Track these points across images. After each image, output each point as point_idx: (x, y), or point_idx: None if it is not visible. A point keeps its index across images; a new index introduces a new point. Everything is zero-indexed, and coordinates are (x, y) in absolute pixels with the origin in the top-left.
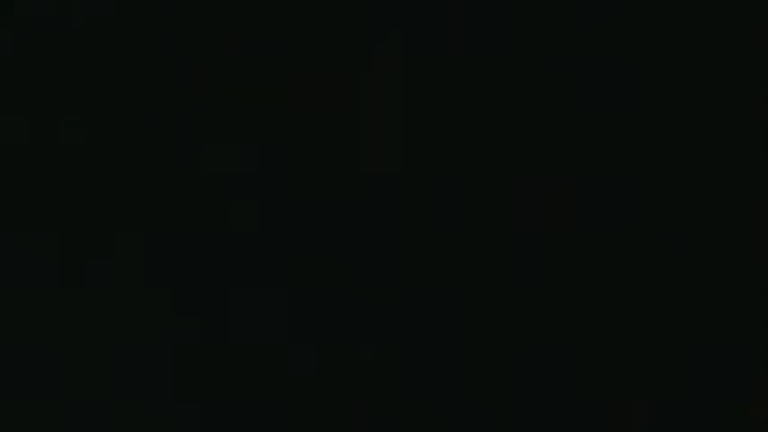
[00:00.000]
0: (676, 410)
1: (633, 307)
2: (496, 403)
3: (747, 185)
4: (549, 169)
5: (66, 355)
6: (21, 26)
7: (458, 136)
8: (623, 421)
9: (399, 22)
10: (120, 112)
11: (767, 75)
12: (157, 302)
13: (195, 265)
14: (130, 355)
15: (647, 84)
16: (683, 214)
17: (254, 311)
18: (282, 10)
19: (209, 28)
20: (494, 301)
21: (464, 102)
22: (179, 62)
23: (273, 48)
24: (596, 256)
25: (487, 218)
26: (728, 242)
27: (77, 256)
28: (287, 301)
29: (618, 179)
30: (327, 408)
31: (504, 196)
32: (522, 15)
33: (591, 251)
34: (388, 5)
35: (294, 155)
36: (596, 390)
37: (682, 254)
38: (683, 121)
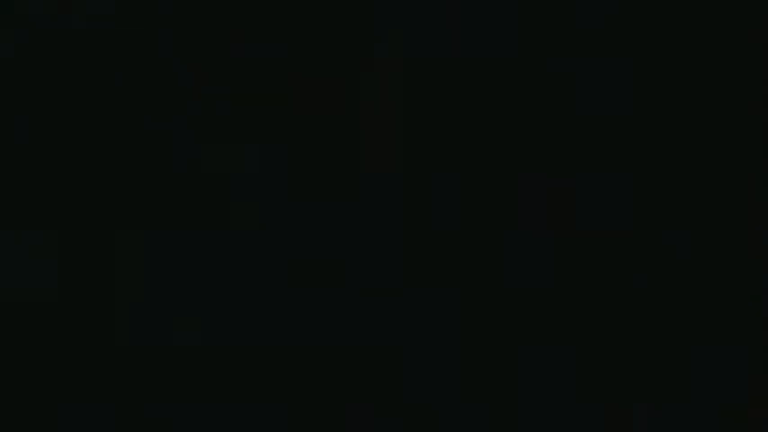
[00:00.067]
0: (676, 410)
1: (633, 307)
2: (496, 403)
3: (747, 185)
4: (549, 169)
5: (66, 355)
6: (21, 26)
7: (458, 136)
8: (623, 421)
9: (399, 22)
10: (120, 112)
11: (767, 75)
12: (157, 302)
13: (195, 265)
14: (130, 355)
15: (647, 84)
16: (683, 214)
17: (254, 311)
18: (282, 10)
19: (209, 28)
20: (494, 301)
21: (464, 102)
22: (179, 62)
23: (273, 48)
24: (596, 256)
25: (487, 218)
26: (728, 242)
27: (77, 256)
28: (287, 301)
29: (618, 179)
30: (327, 408)
31: (504, 196)
32: (522, 15)
33: (591, 251)
34: (388, 5)
35: (294, 155)
36: (596, 390)
37: (682, 254)
38: (683, 121)
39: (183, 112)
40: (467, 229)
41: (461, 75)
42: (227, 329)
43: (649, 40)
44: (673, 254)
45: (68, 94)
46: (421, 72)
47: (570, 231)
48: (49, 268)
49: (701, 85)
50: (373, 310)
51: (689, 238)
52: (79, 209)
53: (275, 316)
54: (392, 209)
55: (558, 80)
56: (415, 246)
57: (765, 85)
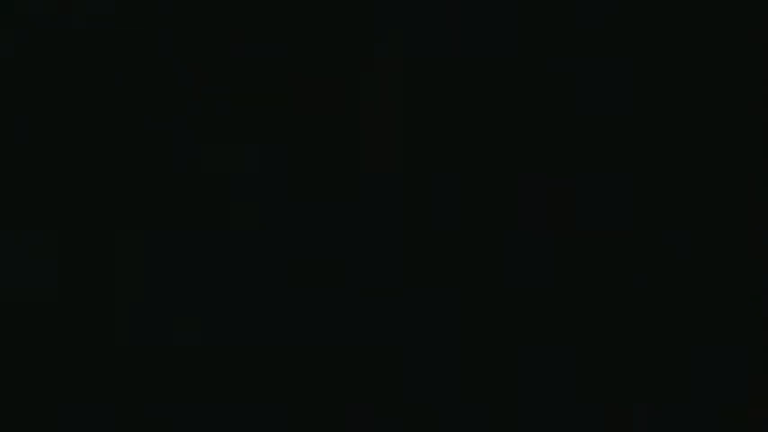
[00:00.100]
0: (676, 410)
1: (633, 307)
2: (496, 403)
3: (747, 185)
4: (549, 169)
5: (66, 355)
6: (21, 26)
7: (458, 136)
8: (623, 421)
9: (399, 22)
10: (120, 112)
11: (767, 75)
12: (157, 302)
13: (195, 265)
14: (130, 355)
15: (647, 84)
16: (683, 214)
17: (254, 311)
18: (282, 10)
19: (209, 28)
20: (494, 301)
21: (464, 102)
22: (179, 62)
23: (273, 48)
24: (596, 256)
25: (487, 218)
26: (728, 242)
27: (77, 256)
28: (287, 301)
29: (618, 179)
30: (327, 408)
31: (504, 196)
32: (522, 15)
33: (591, 251)
34: (388, 5)
35: (294, 155)
36: (596, 390)
37: (682, 254)
38: (683, 121)
39: (183, 112)
40: (467, 229)
41: (461, 75)
42: (227, 329)
43: (649, 40)
44: (673, 254)
45: (68, 94)
46: (421, 72)
47: (570, 231)
48: (49, 268)
49: (701, 85)
50: (373, 310)
51: (689, 238)
52: (79, 209)
53: (275, 316)
54: (392, 209)
55: (558, 80)
56: (415, 246)
57: (765, 85)
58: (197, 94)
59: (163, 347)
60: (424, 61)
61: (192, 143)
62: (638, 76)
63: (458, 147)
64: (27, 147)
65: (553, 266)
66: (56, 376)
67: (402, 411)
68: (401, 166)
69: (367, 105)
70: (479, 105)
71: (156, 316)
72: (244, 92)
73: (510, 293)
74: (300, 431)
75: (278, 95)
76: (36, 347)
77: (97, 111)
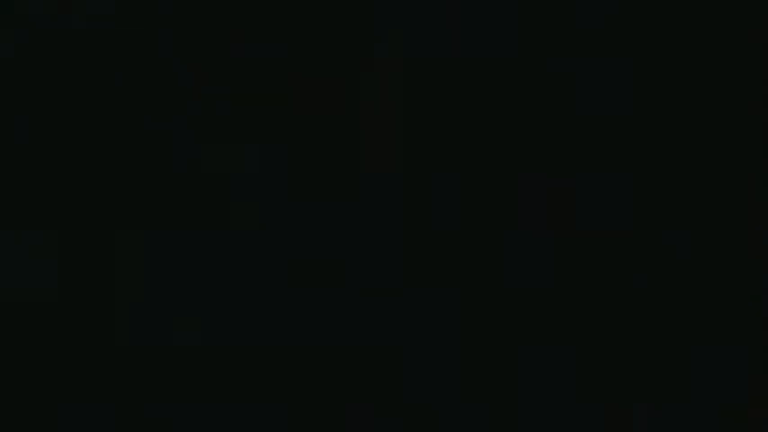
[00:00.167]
0: (676, 410)
1: (633, 307)
2: (496, 403)
3: (747, 185)
4: (549, 169)
5: (66, 355)
6: (21, 26)
7: (458, 136)
8: (623, 421)
9: (399, 22)
10: (120, 112)
11: (767, 75)
12: (157, 302)
13: (195, 265)
14: (130, 355)
15: (647, 84)
16: (683, 214)
17: (254, 311)
18: (282, 10)
19: (209, 28)
20: (494, 301)
21: (464, 102)
22: (179, 62)
23: (273, 48)
24: (596, 256)
25: (487, 218)
26: (728, 242)
27: (77, 256)
28: (287, 301)
29: (618, 179)
30: (327, 408)
31: (504, 196)
32: (522, 15)
33: (591, 251)
34: (388, 5)
35: (294, 155)
36: (596, 390)
37: (682, 254)
38: (683, 121)
39: (183, 112)
40: (467, 229)
41: (461, 75)
42: (227, 329)
43: (649, 40)
44: (673, 254)
45: (68, 94)
46: (421, 72)
47: (570, 231)
48: (49, 268)
49: (701, 85)
50: (373, 310)
51: (689, 238)
52: (79, 209)
53: (275, 316)
54: (392, 209)
55: (558, 80)
56: (415, 246)
57: (765, 85)
58: (197, 94)
59: (163, 347)
60: (424, 61)
61: (192, 143)
62: (638, 77)
63: (458, 147)
64: (27, 147)
65: (553, 266)
66: (56, 376)
67: (402, 411)
68: (401, 166)
69: (367, 105)
70: (479, 105)
71: (156, 316)
72: (244, 92)
73: (510, 293)
74: (300, 431)
75: (278, 95)
76: (36, 347)
77: (97, 111)
